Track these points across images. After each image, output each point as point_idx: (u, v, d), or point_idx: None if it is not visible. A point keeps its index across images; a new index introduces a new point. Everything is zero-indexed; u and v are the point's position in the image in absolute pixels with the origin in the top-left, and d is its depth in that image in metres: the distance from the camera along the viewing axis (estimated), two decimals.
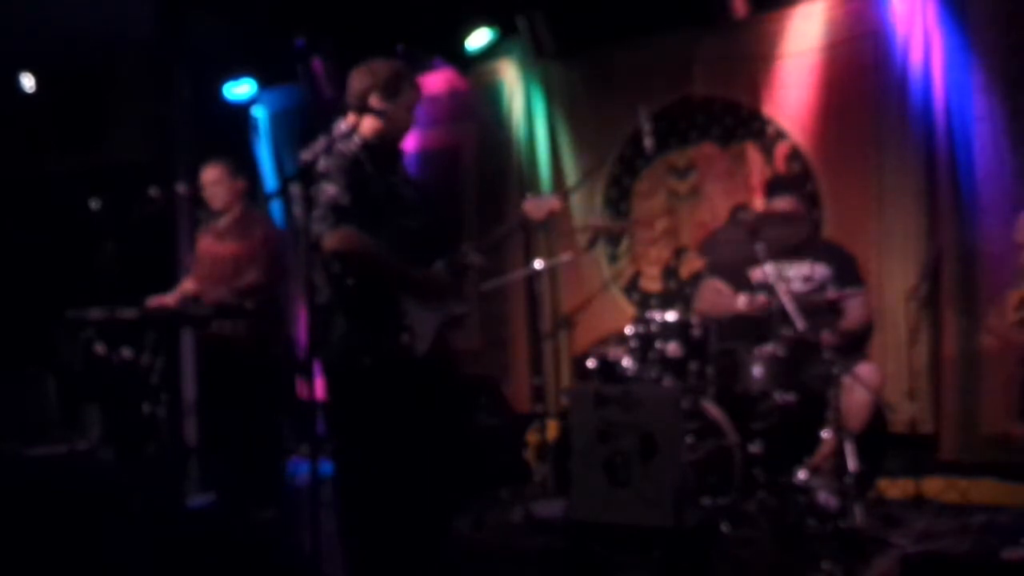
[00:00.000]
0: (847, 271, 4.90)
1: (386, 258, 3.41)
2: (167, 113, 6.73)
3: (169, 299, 5.03)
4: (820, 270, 4.90)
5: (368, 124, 3.53)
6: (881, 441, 4.72)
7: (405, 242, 3.46)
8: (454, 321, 3.58)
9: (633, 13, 5.88)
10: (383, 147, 3.56)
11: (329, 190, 3.34)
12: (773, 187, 5.21)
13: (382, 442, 3.43)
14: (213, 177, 5.11)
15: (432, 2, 6.27)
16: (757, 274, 4.91)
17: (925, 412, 5.12)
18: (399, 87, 3.54)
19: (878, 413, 4.69)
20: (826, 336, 4.37)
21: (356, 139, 3.49)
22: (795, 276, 4.87)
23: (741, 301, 4.87)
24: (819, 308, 4.61)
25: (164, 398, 4.88)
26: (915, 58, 5.17)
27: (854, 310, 4.80)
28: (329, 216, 3.32)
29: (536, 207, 3.81)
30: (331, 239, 3.32)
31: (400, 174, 3.63)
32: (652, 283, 6.10)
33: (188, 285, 5.13)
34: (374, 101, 3.50)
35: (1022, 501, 4.62)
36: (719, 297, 5.03)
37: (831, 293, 4.70)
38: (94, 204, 5.21)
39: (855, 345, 4.86)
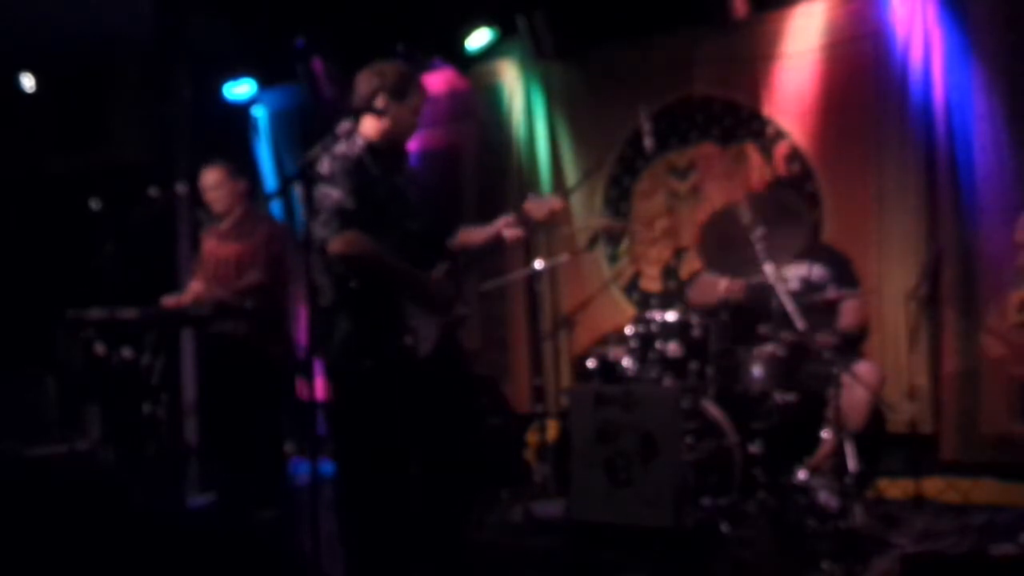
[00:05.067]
0: (844, 273, 4.91)
1: (391, 262, 3.41)
2: (167, 113, 6.73)
3: (183, 300, 5.03)
4: (818, 271, 4.89)
5: (373, 125, 3.53)
6: (880, 441, 4.73)
7: (408, 244, 3.46)
8: (457, 322, 3.58)
9: (633, 13, 5.88)
10: (388, 148, 3.55)
11: (333, 194, 3.34)
12: (770, 188, 5.23)
13: (384, 443, 3.43)
14: (213, 181, 5.10)
15: (432, 2, 6.27)
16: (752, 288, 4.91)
17: (925, 412, 5.11)
18: (406, 89, 3.54)
19: (876, 412, 4.69)
20: (822, 339, 4.37)
21: (360, 141, 3.49)
22: (792, 277, 4.87)
23: (722, 285, 4.88)
24: (815, 307, 4.61)
25: (164, 398, 4.88)
26: (915, 58, 5.18)
27: (849, 312, 4.80)
28: (333, 220, 3.32)
29: (537, 207, 3.80)
30: (336, 243, 3.32)
31: (405, 175, 3.63)
32: (652, 283, 6.10)
33: (196, 286, 5.13)
34: (381, 103, 3.49)
35: (1022, 501, 4.62)
36: (708, 287, 5.05)
37: (830, 293, 4.70)
38: (94, 204, 5.21)
39: (851, 346, 4.85)
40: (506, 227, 3.69)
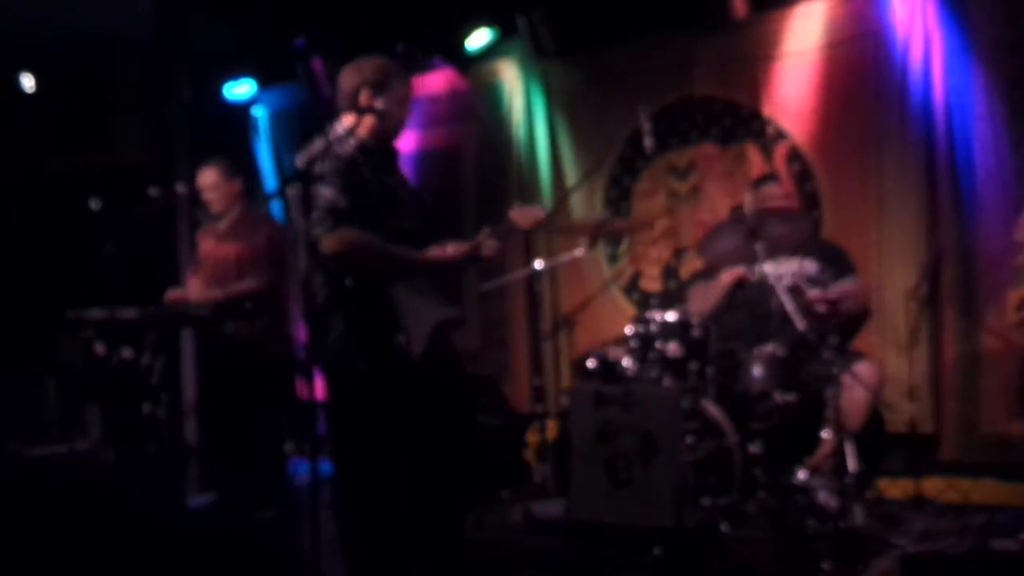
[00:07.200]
0: (837, 263, 4.89)
1: (386, 249, 3.39)
2: (167, 113, 6.73)
3: (187, 295, 5.02)
4: (808, 266, 4.89)
5: (363, 124, 3.52)
6: (879, 441, 4.72)
7: (401, 244, 3.45)
8: (451, 324, 3.57)
9: (633, 13, 5.88)
10: (379, 147, 3.55)
11: (326, 193, 3.33)
12: (759, 181, 5.22)
13: (380, 443, 3.43)
14: (209, 182, 5.10)
15: (432, 2, 6.27)
16: (751, 273, 4.91)
17: (925, 412, 5.11)
18: (388, 81, 3.53)
19: (876, 412, 4.69)
20: (814, 293, 4.38)
21: (352, 140, 3.48)
22: (785, 272, 4.87)
23: (725, 279, 4.90)
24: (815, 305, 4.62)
25: (164, 398, 4.88)
26: (915, 58, 5.18)
27: (848, 298, 4.80)
28: (327, 219, 3.32)
29: (522, 216, 3.78)
30: (330, 241, 3.32)
31: (397, 175, 3.63)
32: (652, 283, 6.10)
33: (195, 284, 5.12)
34: (365, 98, 3.49)
35: (1022, 501, 4.62)
36: (706, 294, 5.05)
37: (832, 293, 4.70)
38: (94, 204, 5.21)
39: (850, 330, 4.84)
40: (484, 241, 3.68)
